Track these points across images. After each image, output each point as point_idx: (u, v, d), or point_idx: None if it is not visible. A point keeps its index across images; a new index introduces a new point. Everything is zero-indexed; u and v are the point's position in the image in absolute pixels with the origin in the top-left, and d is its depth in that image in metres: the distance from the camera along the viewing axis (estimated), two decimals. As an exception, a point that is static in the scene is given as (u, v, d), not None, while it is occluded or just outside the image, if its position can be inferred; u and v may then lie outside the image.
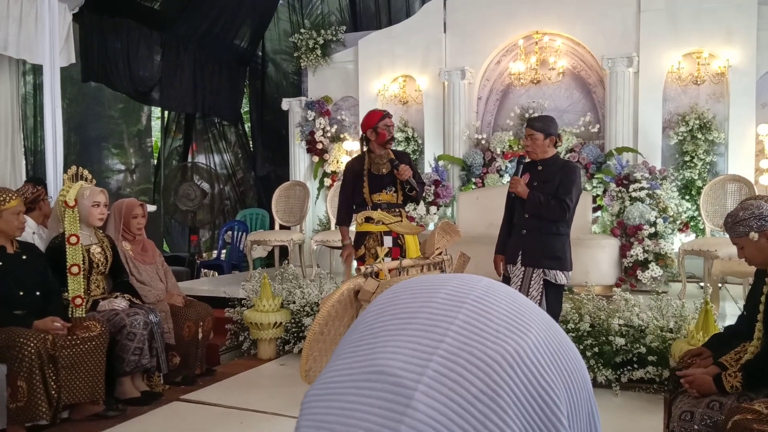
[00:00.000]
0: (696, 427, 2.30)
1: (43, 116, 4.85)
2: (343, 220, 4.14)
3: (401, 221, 4.01)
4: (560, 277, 3.52)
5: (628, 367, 3.83)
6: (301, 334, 4.66)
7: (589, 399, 0.43)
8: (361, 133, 4.11)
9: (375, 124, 3.94)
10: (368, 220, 3.95)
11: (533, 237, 3.53)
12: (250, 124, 9.01)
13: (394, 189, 3.96)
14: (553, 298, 3.57)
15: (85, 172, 4.06)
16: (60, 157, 4.73)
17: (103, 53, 6.80)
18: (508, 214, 3.77)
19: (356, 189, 3.98)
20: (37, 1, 4.82)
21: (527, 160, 3.70)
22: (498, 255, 3.76)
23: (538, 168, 3.60)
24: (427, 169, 6.59)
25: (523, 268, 3.55)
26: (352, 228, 4.16)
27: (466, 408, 0.36)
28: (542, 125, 3.58)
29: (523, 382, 0.38)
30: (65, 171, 4.15)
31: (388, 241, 3.85)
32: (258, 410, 3.61)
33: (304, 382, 3.04)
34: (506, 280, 3.64)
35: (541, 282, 3.51)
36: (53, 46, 4.78)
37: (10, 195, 3.50)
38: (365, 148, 4.05)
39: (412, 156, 6.88)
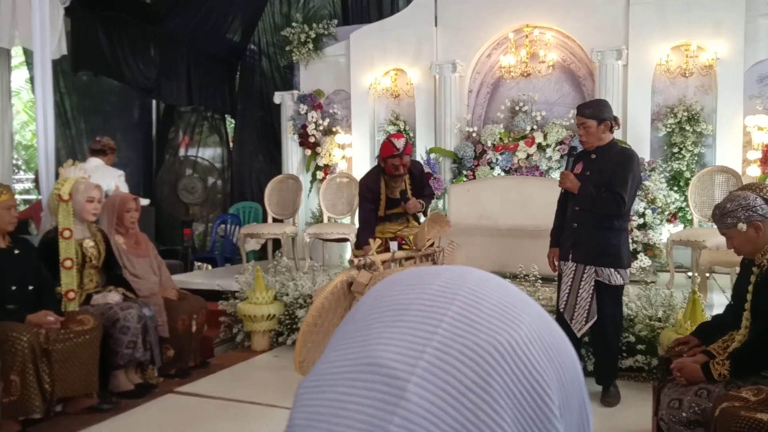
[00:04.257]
0: (684, 414, 2.34)
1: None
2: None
3: (407, 226, 4.23)
4: (615, 278, 3.31)
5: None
6: (294, 326, 4.68)
7: (581, 390, 0.44)
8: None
9: (385, 158, 4.12)
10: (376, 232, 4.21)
11: (585, 231, 3.33)
12: (242, 118, 8.98)
13: (408, 198, 4.23)
14: (609, 301, 3.36)
15: (81, 166, 4.07)
16: (51, 151, 4.71)
17: (97, 47, 6.77)
18: (561, 206, 3.57)
19: (376, 207, 4.23)
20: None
21: (577, 151, 3.51)
22: (552, 249, 3.61)
23: (591, 156, 3.38)
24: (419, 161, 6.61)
25: (574, 265, 3.37)
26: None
27: (458, 399, 0.37)
28: (593, 111, 3.35)
29: (515, 373, 0.38)
30: (59, 164, 4.16)
31: (393, 245, 3.94)
32: (252, 402, 3.63)
33: (298, 374, 3.06)
34: (560, 277, 3.49)
35: (593, 282, 3.32)
36: (44, 40, 4.75)
37: (1, 189, 3.49)
38: (380, 169, 4.25)
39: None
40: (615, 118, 3.42)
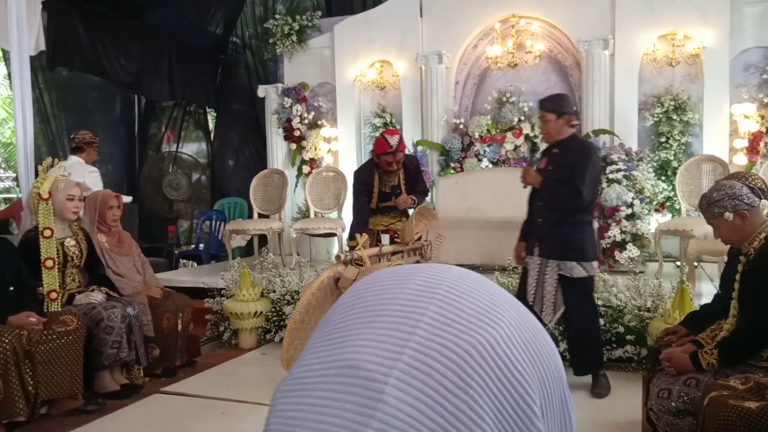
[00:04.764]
0: (673, 404, 2.34)
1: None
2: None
3: (400, 220, 4.27)
4: (577, 271, 3.33)
5: (607, 347, 3.88)
6: (282, 323, 4.65)
7: (563, 388, 0.43)
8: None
9: (378, 154, 4.16)
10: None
11: (549, 226, 3.38)
12: (225, 112, 8.90)
13: (400, 192, 4.26)
14: (572, 294, 3.38)
15: (62, 164, 4.00)
16: (31, 149, 4.64)
17: (76, 41, 6.66)
18: (531, 202, 3.62)
19: (369, 200, 4.27)
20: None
21: (538, 149, 3.60)
22: (518, 243, 3.66)
23: (554, 151, 3.43)
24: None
25: (539, 260, 3.42)
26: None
27: (437, 400, 0.36)
28: (553, 105, 3.39)
29: (495, 373, 0.38)
30: (39, 163, 4.09)
31: (385, 239, 3.95)
32: (240, 400, 3.60)
33: (286, 371, 3.02)
34: (525, 271, 3.54)
35: (556, 276, 3.37)
36: (21, 36, 4.66)
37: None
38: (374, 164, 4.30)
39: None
40: (576, 113, 3.48)
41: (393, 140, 4.09)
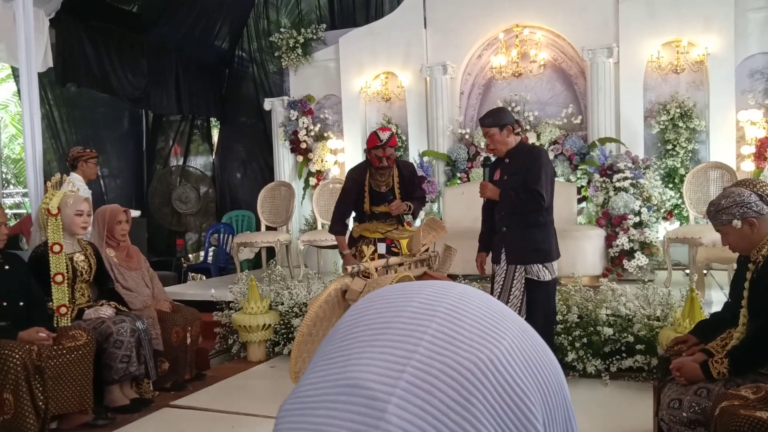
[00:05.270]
0: (684, 414, 2.32)
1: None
2: (339, 230, 4.20)
3: (397, 228, 4.19)
4: (544, 274, 3.45)
5: (617, 357, 3.86)
6: (290, 336, 4.65)
7: (566, 404, 0.43)
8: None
9: (369, 149, 4.11)
10: (364, 231, 4.16)
11: (514, 233, 3.48)
12: (231, 125, 8.95)
13: (393, 198, 4.15)
14: (540, 297, 3.49)
15: (69, 180, 4.03)
16: (40, 164, 4.67)
17: (84, 58, 6.73)
18: (486, 213, 3.74)
19: (358, 200, 4.17)
20: (12, 7, 4.73)
21: (491, 161, 3.70)
22: (479, 253, 3.77)
23: (505, 161, 3.56)
24: (412, 165, 6.59)
25: (506, 267, 3.51)
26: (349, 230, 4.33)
27: (439, 419, 0.36)
28: (492, 119, 3.53)
29: (497, 390, 0.38)
30: (47, 178, 4.12)
31: (381, 248, 3.93)
32: (249, 414, 3.59)
33: (295, 384, 3.02)
34: (493, 278, 3.62)
35: (523, 281, 3.47)
36: (30, 52, 4.71)
37: (-10, 206, 3.45)
38: (368, 162, 4.21)
39: (398, 153, 6.89)
40: (517, 122, 3.63)
41: (384, 135, 4.07)
